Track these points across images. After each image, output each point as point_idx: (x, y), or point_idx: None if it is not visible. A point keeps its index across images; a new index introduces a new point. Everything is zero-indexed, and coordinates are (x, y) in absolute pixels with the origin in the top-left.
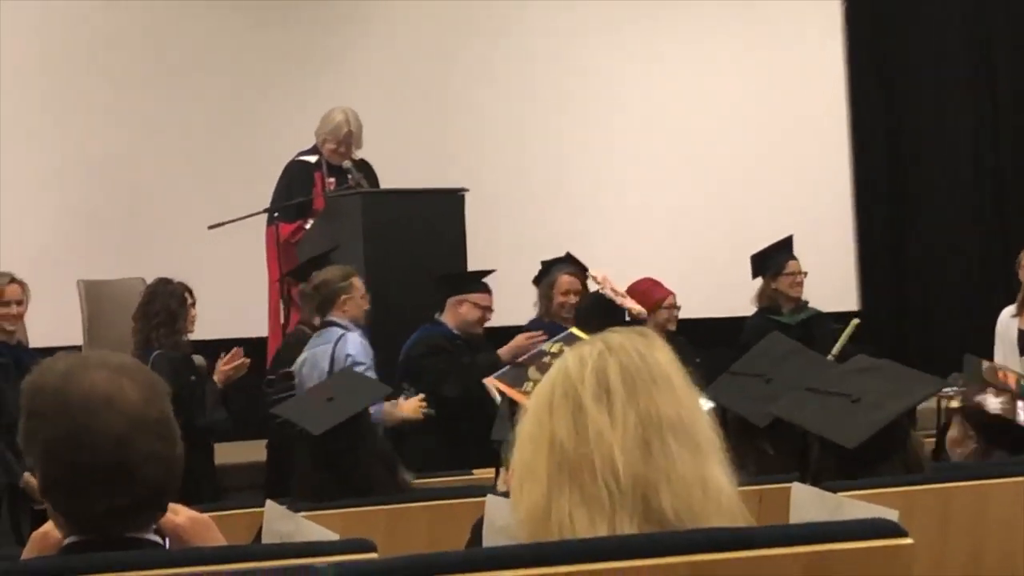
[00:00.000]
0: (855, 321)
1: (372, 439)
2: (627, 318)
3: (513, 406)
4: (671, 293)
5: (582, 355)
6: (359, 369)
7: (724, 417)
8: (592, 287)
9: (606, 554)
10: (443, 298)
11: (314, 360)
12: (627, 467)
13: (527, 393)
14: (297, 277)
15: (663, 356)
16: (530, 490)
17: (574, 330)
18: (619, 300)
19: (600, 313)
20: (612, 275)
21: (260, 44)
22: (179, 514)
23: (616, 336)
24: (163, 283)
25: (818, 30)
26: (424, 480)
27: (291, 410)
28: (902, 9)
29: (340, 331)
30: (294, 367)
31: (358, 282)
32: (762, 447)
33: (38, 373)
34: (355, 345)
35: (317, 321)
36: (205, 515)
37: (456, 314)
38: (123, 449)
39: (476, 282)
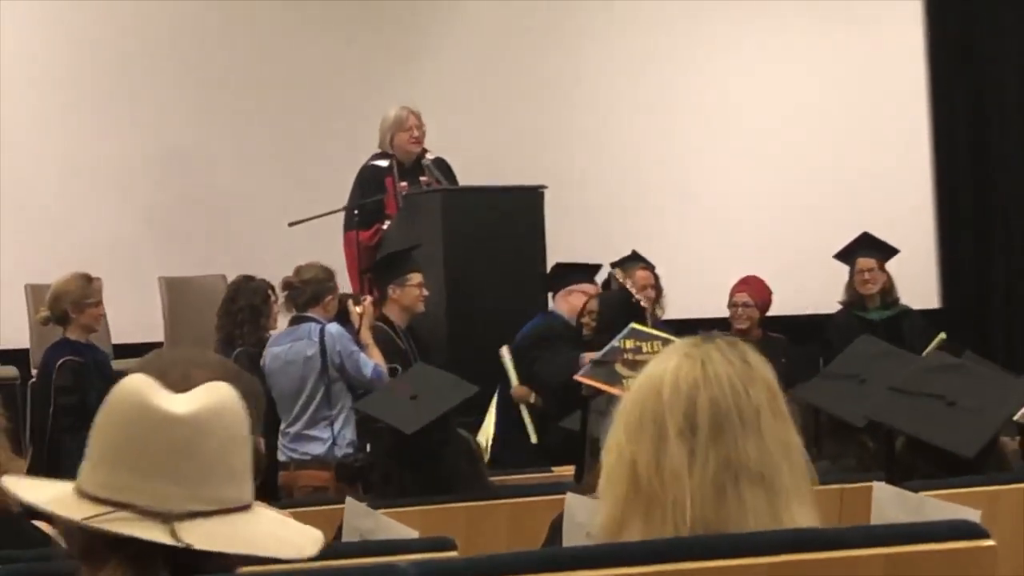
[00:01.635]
0: (941, 335)
1: (458, 436)
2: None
3: (612, 402)
4: (738, 291)
5: (678, 378)
6: (354, 354)
7: (818, 417)
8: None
9: (687, 554)
10: (554, 290)
11: (290, 356)
12: (698, 512)
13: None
14: (378, 273)
15: (760, 388)
16: (608, 502)
17: (635, 324)
18: (640, 297)
19: (622, 311)
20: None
21: (339, 41)
22: None
23: (717, 358)
24: (246, 280)
25: (898, 23)
26: (503, 477)
27: (376, 407)
28: (984, 3)
29: (317, 324)
30: (262, 361)
31: (337, 284)
32: (863, 440)
33: (135, 368)
34: (342, 334)
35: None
36: (287, 515)
37: (568, 303)
38: None
39: (585, 272)
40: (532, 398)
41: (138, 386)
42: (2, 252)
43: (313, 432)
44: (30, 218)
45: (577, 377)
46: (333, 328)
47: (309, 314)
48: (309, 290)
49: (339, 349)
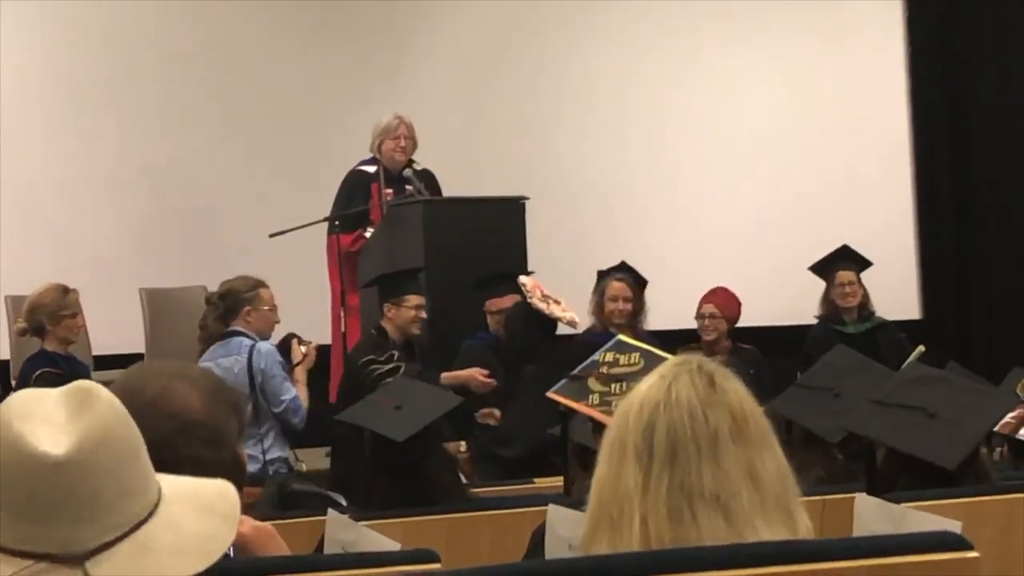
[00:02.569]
0: (920, 348)
1: (439, 448)
2: (559, 326)
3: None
4: (706, 302)
5: (644, 399)
6: (276, 378)
7: (789, 427)
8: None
9: (671, 566)
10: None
11: (218, 372)
12: (653, 532)
13: (593, 406)
14: (378, 289)
15: (721, 413)
16: (586, 517)
17: (622, 337)
18: (548, 308)
19: (527, 322)
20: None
21: (322, 53)
22: (243, 523)
23: (684, 381)
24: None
25: (879, 34)
26: (485, 489)
27: (361, 417)
28: (966, 13)
29: (248, 341)
30: None
31: (267, 294)
32: (831, 453)
33: (115, 382)
34: (272, 355)
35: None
36: (269, 524)
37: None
38: (159, 451)
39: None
40: (462, 449)
41: (9, 424)
42: None
43: None
44: (9, 229)
45: (549, 393)
46: (263, 346)
47: (238, 328)
48: (224, 304)
49: (263, 367)
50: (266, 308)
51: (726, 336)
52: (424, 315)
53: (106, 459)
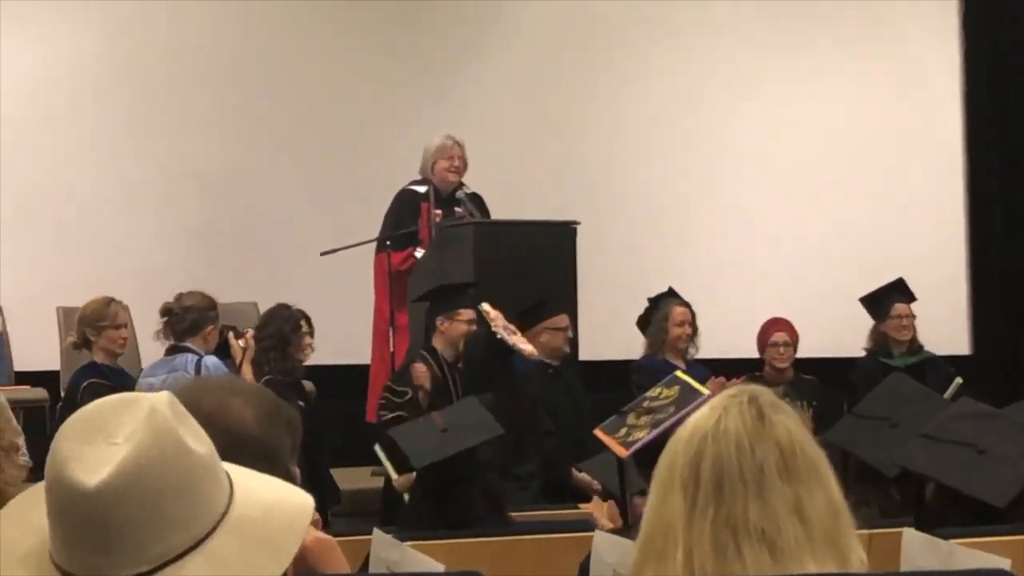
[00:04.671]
0: (958, 380)
1: (480, 476)
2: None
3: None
4: (779, 329)
5: (695, 430)
6: None
7: (845, 459)
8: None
9: None
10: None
11: (165, 388)
12: (700, 564)
13: (617, 440)
14: (430, 303)
15: (769, 447)
16: (635, 545)
17: (679, 373)
18: (510, 339)
19: (489, 352)
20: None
21: (375, 72)
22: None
23: (733, 413)
24: (281, 308)
25: (934, 68)
26: (529, 513)
27: (403, 436)
28: (1022, 48)
29: (193, 356)
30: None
31: (219, 314)
32: (888, 491)
33: None
34: (219, 368)
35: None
36: (330, 537)
37: (539, 343)
38: None
39: (546, 306)
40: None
41: (60, 447)
42: (34, 274)
43: None
44: (63, 242)
45: (596, 431)
46: (210, 361)
47: (186, 344)
48: (189, 318)
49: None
50: (219, 328)
51: (791, 366)
52: (474, 328)
53: (140, 493)
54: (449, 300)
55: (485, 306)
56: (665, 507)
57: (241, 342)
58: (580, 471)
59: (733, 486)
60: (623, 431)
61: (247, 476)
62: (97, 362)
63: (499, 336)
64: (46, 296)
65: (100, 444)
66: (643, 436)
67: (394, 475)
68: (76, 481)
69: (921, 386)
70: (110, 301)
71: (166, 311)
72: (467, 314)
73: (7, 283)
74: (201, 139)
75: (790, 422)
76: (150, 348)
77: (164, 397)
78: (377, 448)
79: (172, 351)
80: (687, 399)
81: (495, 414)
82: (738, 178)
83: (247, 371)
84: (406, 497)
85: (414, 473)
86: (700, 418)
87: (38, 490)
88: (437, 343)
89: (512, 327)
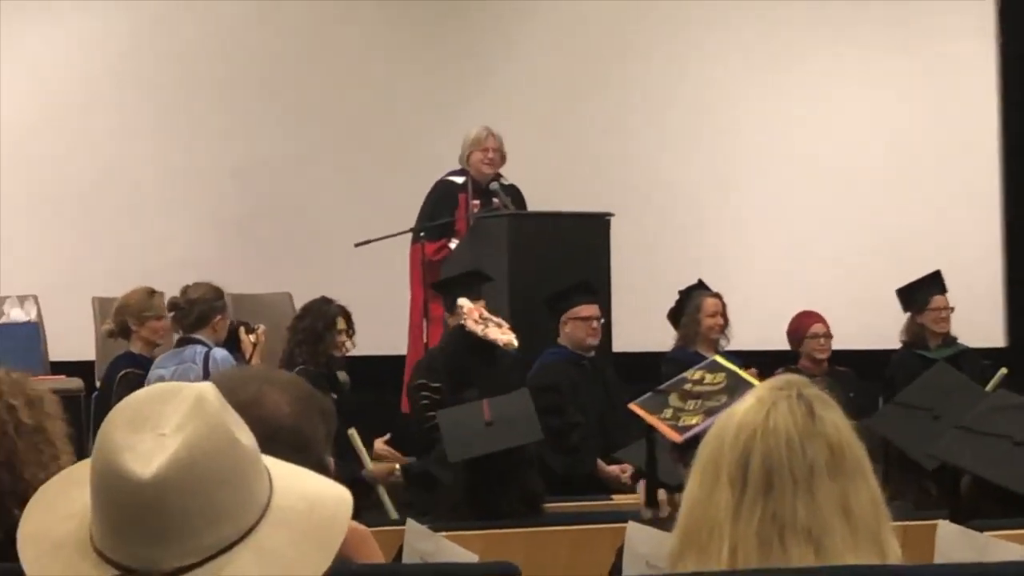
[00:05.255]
0: (1003, 371)
1: (517, 474)
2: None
3: (650, 432)
4: (817, 321)
5: (742, 424)
6: None
7: (887, 448)
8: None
9: None
10: (556, 322)
11: (173, 380)
12: (744, 560)
13: (666, 422)
14: (443, 291)
15: (820, 446)
16: (673, 535)
17: (718, 357)
18: (483, 331)
19: (463, 346)
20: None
21: (411, 64)
22: None
23: (783, 408)
24: (321, 302)
25: (970, 50)
26: (562, 504)
27: (448, 424)
28: None
29: (202, 348)
30: (144, 383)
31: (227, 304)
32: (925, 485)
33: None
34: (227, 361)
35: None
36: (365, 527)
37: (565, 334)
38: None
39: (575, 295)
40: (396, 472)
41: (112, 431)
42: (70, 265)
43: None
44: (99, 231)
45: (630, 404)
46: (218, 354)
47: (196, 336)
48: (195, 311)
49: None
50: (228, 317)
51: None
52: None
53: (194, 483)
54: (450, 294)
55: (461, 301)
56: (711, 501)
57: (252, 337)
58: (620, 459)
59: (782, 483)
60: (668, 412)
61: (283, 468)
62: (134, 352)
63: (470, 330)
64: (81, 286)
65: (149, 434)
66: (696, 424)
67: (368, 464)
68: (130, 471)
69: (965, 378)
70: (153, 292)
71: (172, 305)
72: (467, 304)
73: (43, 273)
74: (237, 131)
75: (838, 418)
76: None
77: (209, 387)
78: (352, 433)
79: (182, 343)
80: (738, 388)
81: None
82: (772, 170)
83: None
84: (380, 489)
85: (397, 466)
86: (747, 412)
87: (70, 475)
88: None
89: (494, 319)
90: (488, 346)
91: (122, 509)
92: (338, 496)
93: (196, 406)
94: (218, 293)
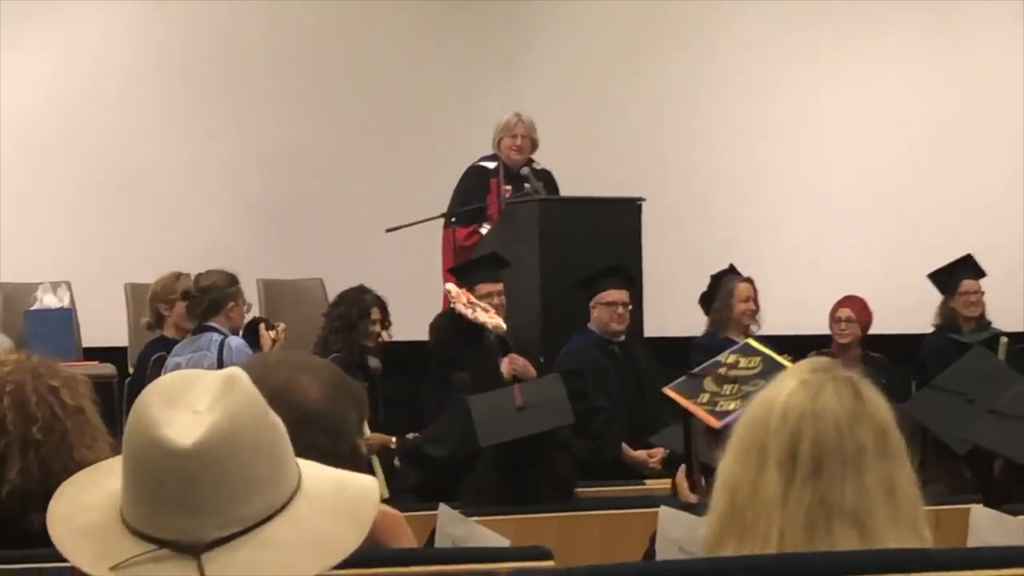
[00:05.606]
0: (1004, 340)
1: (550, 458)
2: (487, 332)
3: (687, 417)
4: (843, 306)
5: (788, 407)
6: None
7: (925, 433)
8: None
9: (780, 571)
10: (586, 305)
11: (189, 367)
12: (788, 544)
13: (703, 407)
14: (460, 276)
15: (867, 428)
16: (710, 519)
17: (751, 341)
18: (473, 314)
19: (453, 330)
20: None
21: (442, 49)
22: None
23: (829, 391)
24: (358, 291)
25: (1001, 35)
26: (595, 489)
27: (479, 408)
28: None
29: (218, 336)
30: (163, 372)
31: (241, 290)
32: (960, 470)
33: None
34: (242, 349)
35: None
36: (398, 512)
37: (593, 318)
38: None
39: (604, 278)
40: (392, 443)
41: (146, 409)
42: (103, 251)
43: None
44: (132, 218)
45: (665, 388)
46: (234, 342)
47: (211, 324)
48: (207, 299)
49: (235, 362)
50: (243, 304)
51: (858, 343)
52: (498, 301)
53: (235, 453)
54: (470, 275)
55: (448, 285)
56: (758, 484)
57: (272, 333)
58: (653, 444)
59: (832, 467)
60: (705, 397)
61: (306, 461)
62: (167, 336)
63: (460, 313)
64: (114, 273)
65: (184, 410)
66: (734, 409)
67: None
68: (170, 440)
69: (1001, 362)
70: (179, 275)
71: (185, 294)
72: (485, 288)
73: (76, 260)
74: (268, 118)
75: (881, 400)
76: None
77: (237, 369)
78: None
79: (198, 331)
80: (774, 372)
81: (471, 390)
82: (804, 154)
83: None
84: (374, 460)
85: (393, 439)
86: (793, 394)
87: (90, 474)
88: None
89: (480, 304)
90: (476, 330)
91: (162, 481)
92: (365, 481)
93: (227, 384)
94: (231, 280)
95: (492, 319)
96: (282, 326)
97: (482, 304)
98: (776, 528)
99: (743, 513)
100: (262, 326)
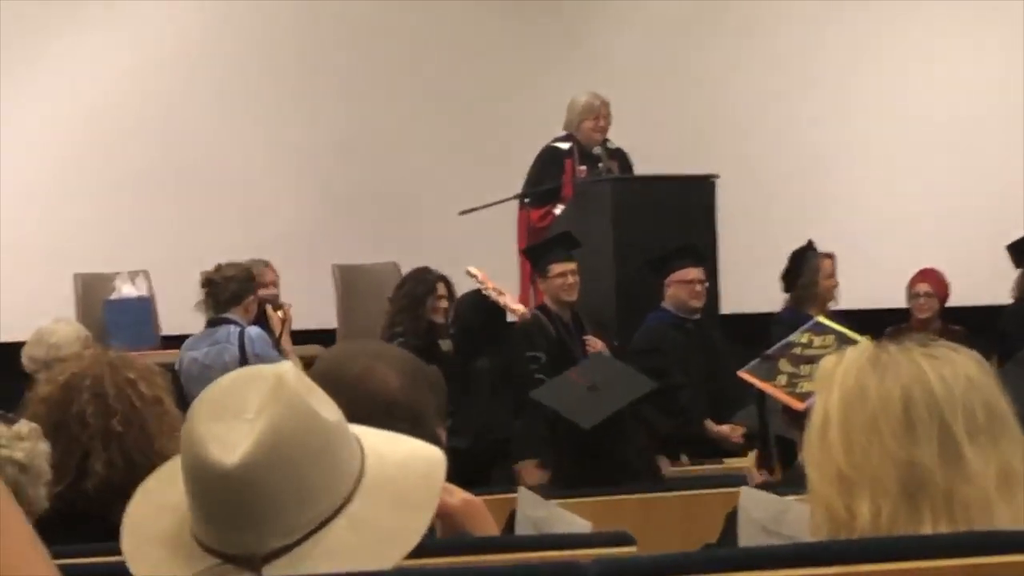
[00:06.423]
0: None
1: (634, 433)
2: (509, 318)
3: (761, 396)
4: (921, 280)
5: (943, 376)
6: (272, 361)
7: None
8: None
9: (882, 555)
10: (659, 285)
11: (208, 361)
12: (904, 523)
13: (783, 389)
14: (533, 257)
15: (979, 402)
16: (863, 502)
17: (821, 318)
18: (500, 300)
19: (480, 313)
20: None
21: (514, 32)
22: (453, 495)
23: (970, 363)
24: (420, 271)
25: None
26: (675, 468)
27: (553, 398)
28: None
29: (235, 328)
30: (176, 365)
31: (257, 285)
32: None
33: (317, 361)
34: (262, 338)
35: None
36: (478, 498)
37: (669, 296)
38: None
39: (678, 258)
40: None
41: (194, 424)
42: (181, 239)
43: None
44: (206, 205)
45: (740, 372)
46: (253, 331)
47: (228, 316)
48: (231, 288)
49: (257, 352)
50: (257, 300)
51: (937, 316)
52: (572, 281)
53: (282, 464)
54: (540, 257)
55: (472, 269)
56: (864, 462)
57: (280, 314)
58: (736, 421)
59: (1002, 431)
60: (783, 379)
61: (375, 436)
62: (240, 323)
63: (490, 297)
64: (191, 260)
65: (233, 421)
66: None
67: None
68: (215, 461)
69: None
70: (267, 264)
71: (207, 281)
72: (557, 268)
73: (154, 248)
74: (340, 103)
75: (992, 374)
76: (293, 310)
77: (289, 368)
78: None
79: (213, 324)
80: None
81: (493, 375)
82: (880, 126)
83: (286, 342)
84: None
85: None
86: (900, 365)
87: (173, 467)
88: (547, 302)
89: (501, 288)
90: (499, 315)
91: (212, 498)
92: (430, 456)
93: (276, 387)
94: (250, 273)
95: (518, 305)
96: (289, 305)
97: (501, 289)
98: (886, 509)
99: (941, 482)
100: (268, 307)
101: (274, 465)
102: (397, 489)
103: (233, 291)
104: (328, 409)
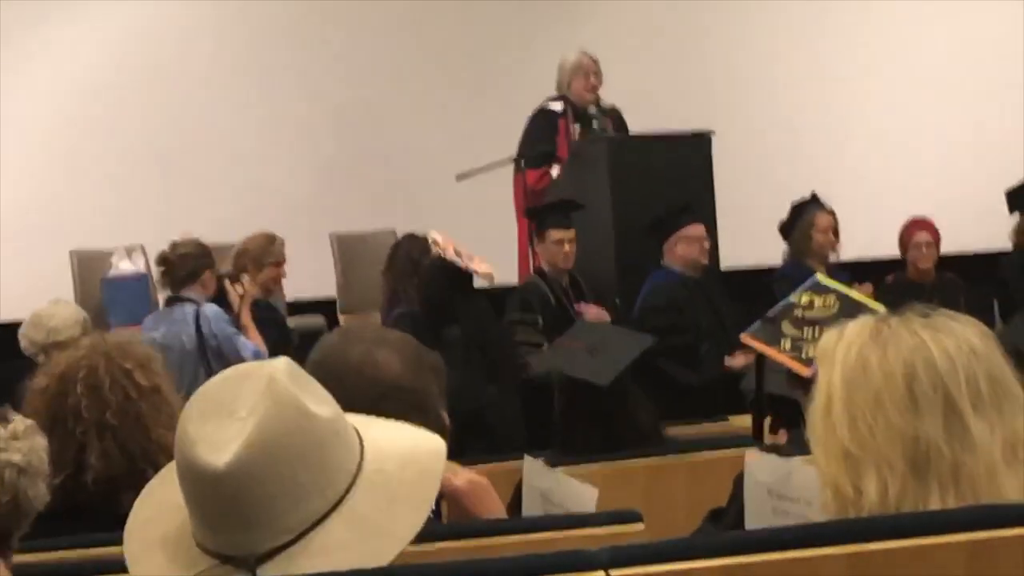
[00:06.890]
0: None
1: (636, 389)
2: (475, 282)
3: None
4: (922, 229)
5: (946, 347)
6: (231, 338)
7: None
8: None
9: (882, 533)
10: (660, 244)
11: (166, 342)
12: (912, 499)
13: (787, 354)
14: (534, 219)
15: (983, 373)
16: (872, 479)
17: (820, 276)
18: (463, 263)
19: (443, 278)
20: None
21: None
22: (458, 476)
23: (971, 332)
24: (408, 237)
25: None
26: (679, 428)
27: (559, 363)
28: None
29: (191, 306)
30: None
31: (214, 259)
32: None
33: (316, 348)
34: (219, 316)
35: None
36: (484, 478)
37: (675, 255)
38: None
39: (681, 216)
40: None
41: (186, 424)
42: (176, 212)
43: None
44: (203, 177)
45: (742, 336)
46: (209, 310)
47: (185, 294)
48: (187, 265)
49: (215, 331)
50: (216, 273)
51: (935, 266)
52: (568, 249)
53: (273, 465)
54: (540, 221)
55: (433, 234)
56: (871, 433)
57: (238, 288)
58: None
59: (1008, 400)
60: (787, 343)
61: (376, 427)
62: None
63: (452, 262)
64: (187, 234)
65: (224, 421)
66: None
67: None
68: (205, 463)
69: None
70: (274, 239)
71: (163, 260)
72: (555, 234)
73: (150, 222)
74: (334, 72)
75: (995, 347)
76: (291, 281)
77: (282, 364)
78: None
79: (171, 302)
80: (855, 311)
81: (464, 343)
82: (874, 77)
83: (245, 316)
84: None
85: None
86: (902, 340)
87: (173, 467)
88: (544, 266)
89: (465, 251)
90: (465, 279)
91: (204, 500)
92: (430, 449)
93: (268, 386)
94: (206, 249)
95: (483, 266)
96: (247, 279)
97: (466, 252)
98: (896, 481)
99: (949, 458)
100: (226, 282)
101: (265, 465)
102: (395, 484)
103: (189, 268)
104: (323, 405)
